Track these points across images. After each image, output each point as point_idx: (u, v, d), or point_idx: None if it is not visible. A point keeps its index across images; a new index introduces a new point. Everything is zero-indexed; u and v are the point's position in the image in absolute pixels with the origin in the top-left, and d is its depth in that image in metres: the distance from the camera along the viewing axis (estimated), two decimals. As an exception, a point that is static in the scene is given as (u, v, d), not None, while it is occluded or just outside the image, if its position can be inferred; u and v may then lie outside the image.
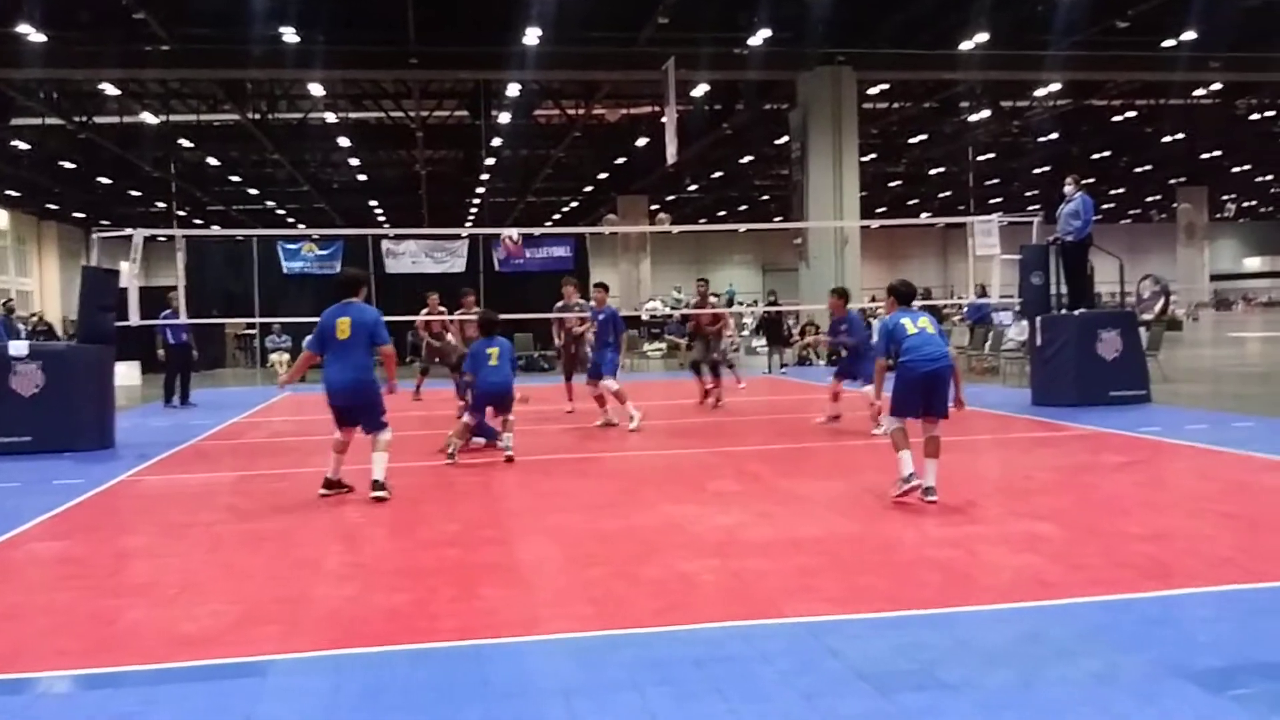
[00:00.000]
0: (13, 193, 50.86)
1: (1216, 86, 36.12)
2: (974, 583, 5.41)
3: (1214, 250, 70.97)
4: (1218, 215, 73.44)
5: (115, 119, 34.33)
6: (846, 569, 5.67)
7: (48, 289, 61.22)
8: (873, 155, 44.08)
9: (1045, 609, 4.86)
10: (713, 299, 16.23)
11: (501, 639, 4.63)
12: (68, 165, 42.48)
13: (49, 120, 33.31)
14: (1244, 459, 8.98)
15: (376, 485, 8.04)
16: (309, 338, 8.57)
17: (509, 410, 10.42)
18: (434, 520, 7.35)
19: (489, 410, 10.51)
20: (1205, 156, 52.00)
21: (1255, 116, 42.79)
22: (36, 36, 22.48)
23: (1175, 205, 61.46)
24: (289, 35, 23.99)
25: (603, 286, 14.35)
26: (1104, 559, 5.70)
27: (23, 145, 38.84)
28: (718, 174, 50.49)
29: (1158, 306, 27.94)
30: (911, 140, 44.60)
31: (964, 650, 4.32)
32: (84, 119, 32.86)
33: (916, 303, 8.15)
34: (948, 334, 11.32)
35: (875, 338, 8.17)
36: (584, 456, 10.67)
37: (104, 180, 46.21)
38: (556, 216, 63.49)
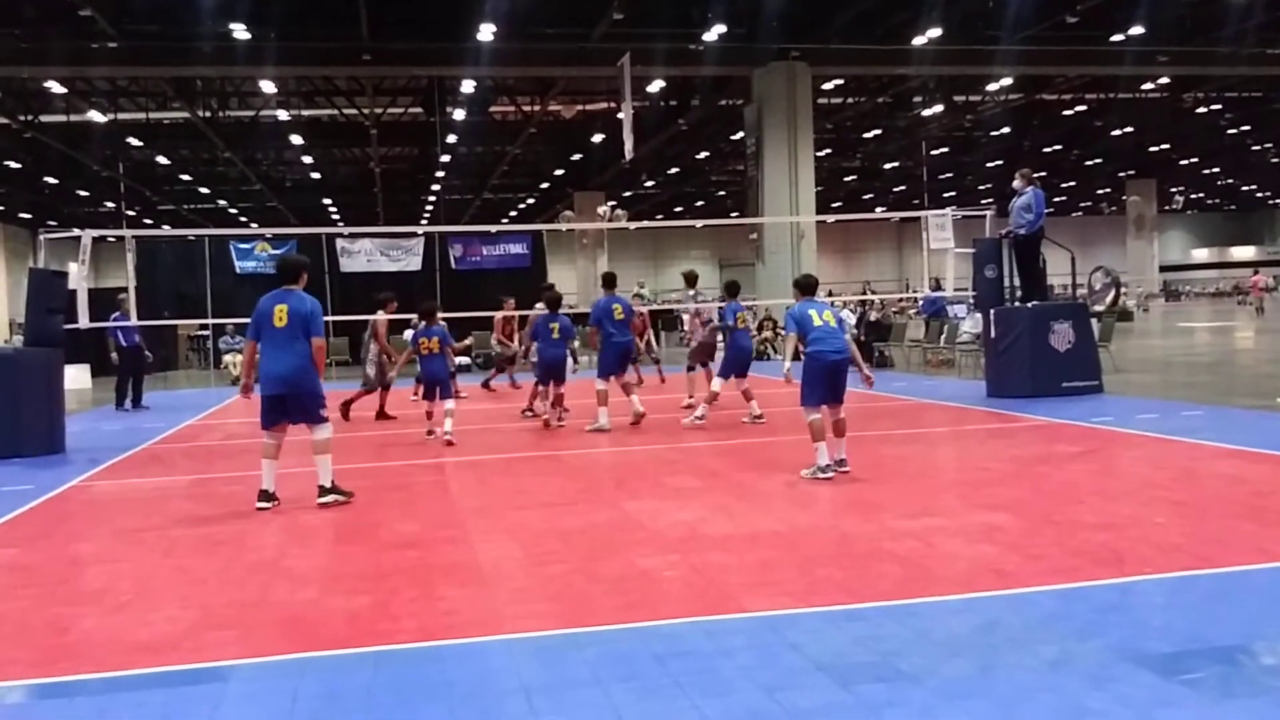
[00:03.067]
0: (-45, 193, 49.94)
1: (1164, 80, 36.76)
2: (932, 574, 5.46)
3: (1163, 242, 72.17)
4: (1166, 207, 74.69)
5: (62, 117, 33.79)
6: (806, 562, 5.70)
7: (-7, 291, 60.06)
8: (828, 150, 44.38)
9: (1002, 598, 4.92)
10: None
11: (462, 639, 4.61)
12: (13, 165, 41.76)
13: (-8, 119, 32.73)
14: (1193, 447, 9.14)
15: (323, 491, 7.79)
16: (248, 328, 8.14)
17: (562, 381, 12.30)
18: (393, 521, 7.29)
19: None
20: (1154, 149, 52.90)
21: (1202, 110, 43.58)
22: (-21, 34, 22.07)
23: (1125, 198, 62.41)
24: (239, 32, 23.73)
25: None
26: (1059, 548, 5.77)
27: (-34, 145, 38.17)
28: (674, 170, 50.61)
29: (1109, 298, 28.27)
30: (866, 135, 44.97)
31: (923, 640, 4.36)
32: (29, 118, 32.31)
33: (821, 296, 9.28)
34: (848, 325, 11.87)
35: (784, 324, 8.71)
36: (543, 454, 10.64)
37: (51, 180, 45.45)
38: (513, 213, 63.33)
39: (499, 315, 17.59)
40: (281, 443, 8.01)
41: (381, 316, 14.10)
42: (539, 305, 14.48)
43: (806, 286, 8.92)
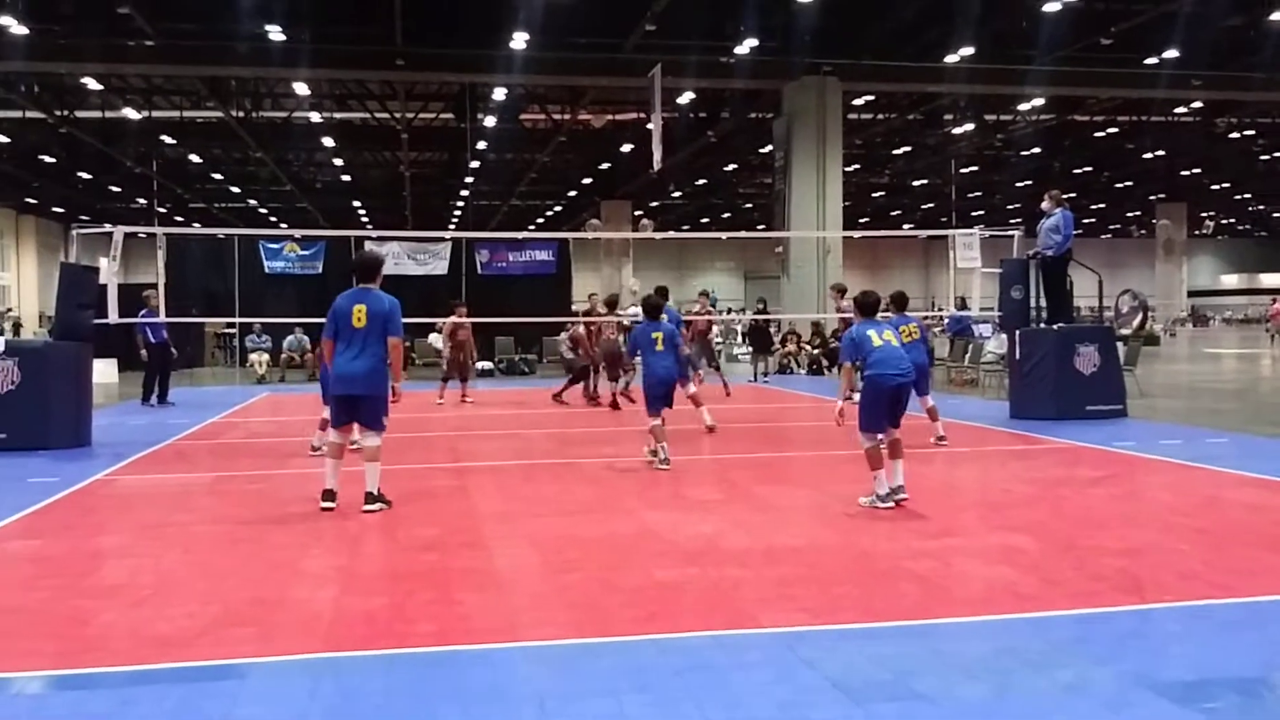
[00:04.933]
0: (-9, 187, 50.55)
1: (1197, 105, 36.50)
2: (950, 594, 5.44)
3: (1192, 266, 71.65)
4: (1196, 232, 74.12)
5: (97, 114, 34.14)
6: (824, 579, 5.69)
7: (25, 284, 60.79)
8: (856, 165, 44.32)
9: (1020, 621, 4.90)
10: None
11: (478, 645, 4.63)
12: (48, 159, 42.22)
13: (29, 113, 33.12)
14: (1216, 475, 9.07)
15: (370, 498, 7.71)
16: (325, 326, 7.92)
17: (670, 404, 10.16)
18: (412, 524, 7.32)
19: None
20: (1185, 173, 52.51)
21: (1235, 135, 43.24)
22: (18, 29, 22.35)
23: (1155, 221, 62.03)
24: (275, 33, 23.94)
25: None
26: (1078, 572, 5.74)
27: (2, 139, 38.61)
28: (702, 181, 50.64)
29: (1136, 322, 28.11)
30: (895, 151, 44.88)
31: (939, 661, 4.35)
32: (65, 113, 32.66)
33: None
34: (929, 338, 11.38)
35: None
36: (564, 462, 10.66)
37: (84, 175, 45.94)
38: (540, 220, 63.53)
39: (579, 323, 17.48)
40: (347, 441, 8.01)
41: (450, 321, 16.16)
42: (633, 309, 14.02)
43: (866, 305, 8.06)
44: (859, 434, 7.65)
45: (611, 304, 16.61)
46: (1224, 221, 79.97)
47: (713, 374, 18.22)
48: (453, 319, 17.26)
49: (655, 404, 10.00)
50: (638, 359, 10.82)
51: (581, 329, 17.14)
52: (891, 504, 7.45)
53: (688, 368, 11.85)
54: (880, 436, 7.56)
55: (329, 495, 7.71)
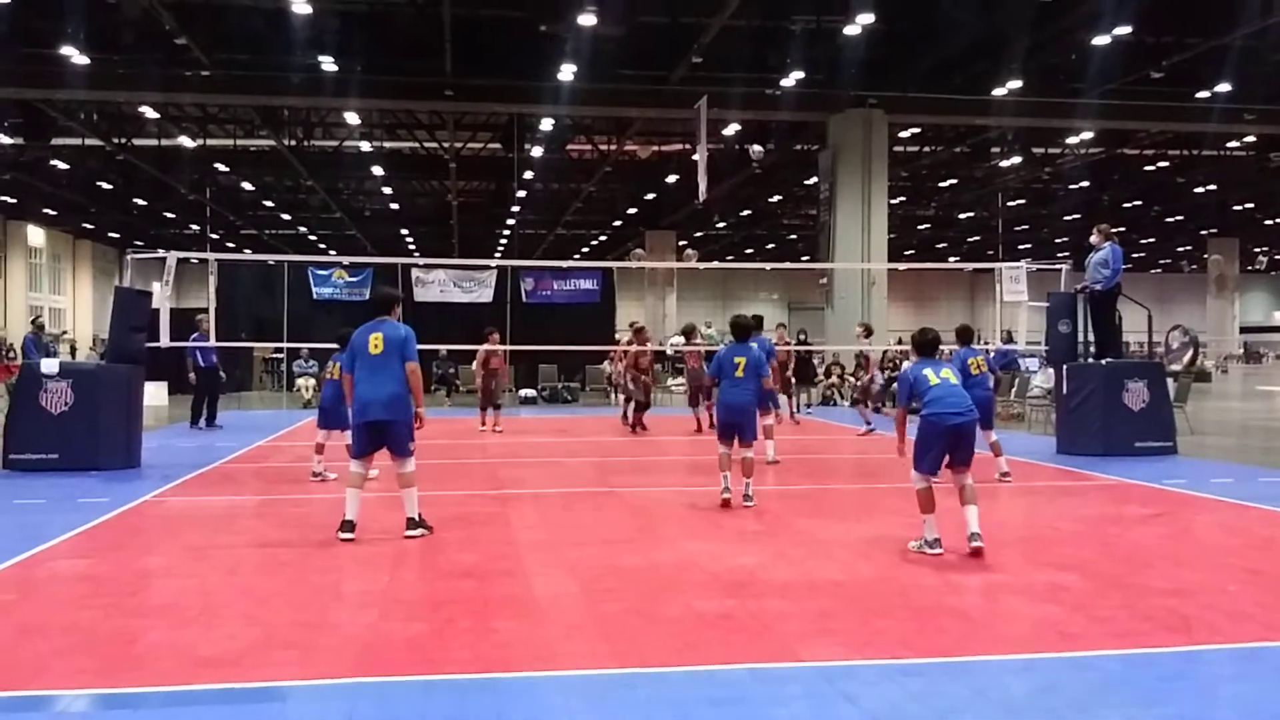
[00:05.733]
0: (49, 211, 51.65)
1: (1250, 139, 36.02)
2: (993, 631, 5.37)
3: (1244, 302, 70.44)
4: (1249, 267, 72.98)
5: (153, 141, 34.82)
6: (865, 613, 5.64)
7: (80, 307, 62.00)
8: (902, 198, 44.14)
9: (1064, 660, 4.82)
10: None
11: (516, 673, 4.63)
12: (105, 185, 43.11)
13: (88, 141, 33.85)
14: (1270, 514, 8.88)
15: (411, 524, 7.79)
16: (343, 359, 8.28)
17: (751, 436, 9.37)
18: (452, 551, 7.35)
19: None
20: (1237, 208, 51.79)
21: (1288, 169, 42.56)
22: (79, 59, 22.89)
23: (1206, 256, 61.12)
24: (327, 64, 24.34)
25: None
26: (1125, 611, 5.65)
27: (61, 165, 39.54)
28: (746, 212, 50.66)
29: (1186, 357, 27.69)
30: (941, 184, 44.66)
31: (981, 700, 4.29)
32: (122, 140, 33.36)
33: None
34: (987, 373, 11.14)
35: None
36: (604, 490, 10.66)
37: (140, 201, 46.83)
38: (585, 249, 63.84)
39: (629, 347, 17.50)
40: (367, 473, 8.03)
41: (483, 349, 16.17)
42: (675, 339, 14.16)
43: (923, 345, 7.66)
44: (912, 472, 7.34)
45: (687, 333, 16.65)
46: (1277, 256, 78.65)
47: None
48: (485, 347, 17.18)
49: (725, 431, 9.47)
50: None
51: (630, 356, 17.20)
52: (940, 550, 7.06)
53: (769, 399, 11.41)
54: (934, 478, 7.26)
55: (348, 526, 7.65)
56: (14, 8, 21.22)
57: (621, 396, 18.44)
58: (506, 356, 18.61)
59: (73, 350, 48.21)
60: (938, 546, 7.11)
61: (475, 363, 17.60)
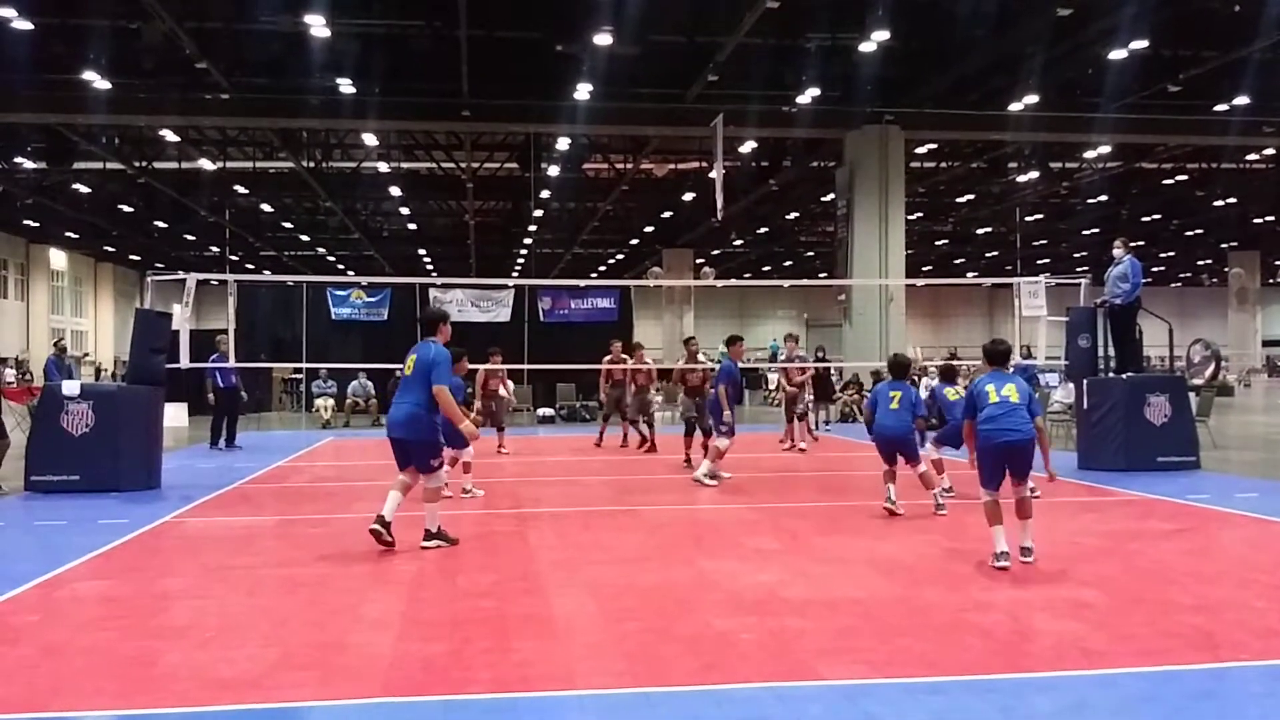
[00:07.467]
0: (71, 234, 52.14)
1: (1269, 151, 35.82)
2: (1016, 649, 5.32)
3: (1266, 315, 69.90)
4: (1270, 280, 72.41)
5: (174, 164, 35.14)
6: (886, 631, 5.60)
7: (102, 329, 62.50)
8: (919, 214, 44.05)
9: (1088, 678, 4.77)
10: (701, 357, 15.96)
11: (535, 692, 4.61)
12: (126, 208, 43.48)
13: (109, 164, 34.20)
14: (1296, 530, 8.79)
15: (428, 535, 8.06)
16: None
17: (915, 459, 10.04)
18: (471, 570, 7.35)
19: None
20: (1258, 221, 51.44)
21: (1310, 182, 42.28)
22: (101, 83, 23.14)
23: (1227, 269, 60.71)
24: (345, 86, 24.52)
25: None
26: (1150, 629, 5.59)
27: (83, 189, 39.94)
28: (763, 229, 50.67)
29: (1208, 371, 27.42)
30: (959, 199, 44.55)
31: (1004, 717, 4.25)
32: (143, 164, 33.67)
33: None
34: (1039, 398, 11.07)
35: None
36: (622, 509, 10.63)
37: (160, 224, 47.21)
38: (602, 268, 63.97)
39: (641, 365, 17.44)
40: (412, 483, 8.24)
41: (483, 369, 15.63)
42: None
43: (993, 355, 7.88)
44: (981, 488, 7.55)
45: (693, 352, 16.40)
46: (1300, 270, 78.07)
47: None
48: (484, 367, 16.49)
49: (888, 457, 10.05)
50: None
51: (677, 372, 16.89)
52: (1006, 564, 7.15)
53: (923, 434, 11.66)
54: (997, 492, 7.44)
55: (380, 520, 7.97)
56: (37, 35, 21.48)
57: (608, 416, 18.40)
58: (525, 376, 18.38)
59: (97, 373, 48.57)
60: (1004, 559, 7.20)
61: (476, 384, 16.92)
